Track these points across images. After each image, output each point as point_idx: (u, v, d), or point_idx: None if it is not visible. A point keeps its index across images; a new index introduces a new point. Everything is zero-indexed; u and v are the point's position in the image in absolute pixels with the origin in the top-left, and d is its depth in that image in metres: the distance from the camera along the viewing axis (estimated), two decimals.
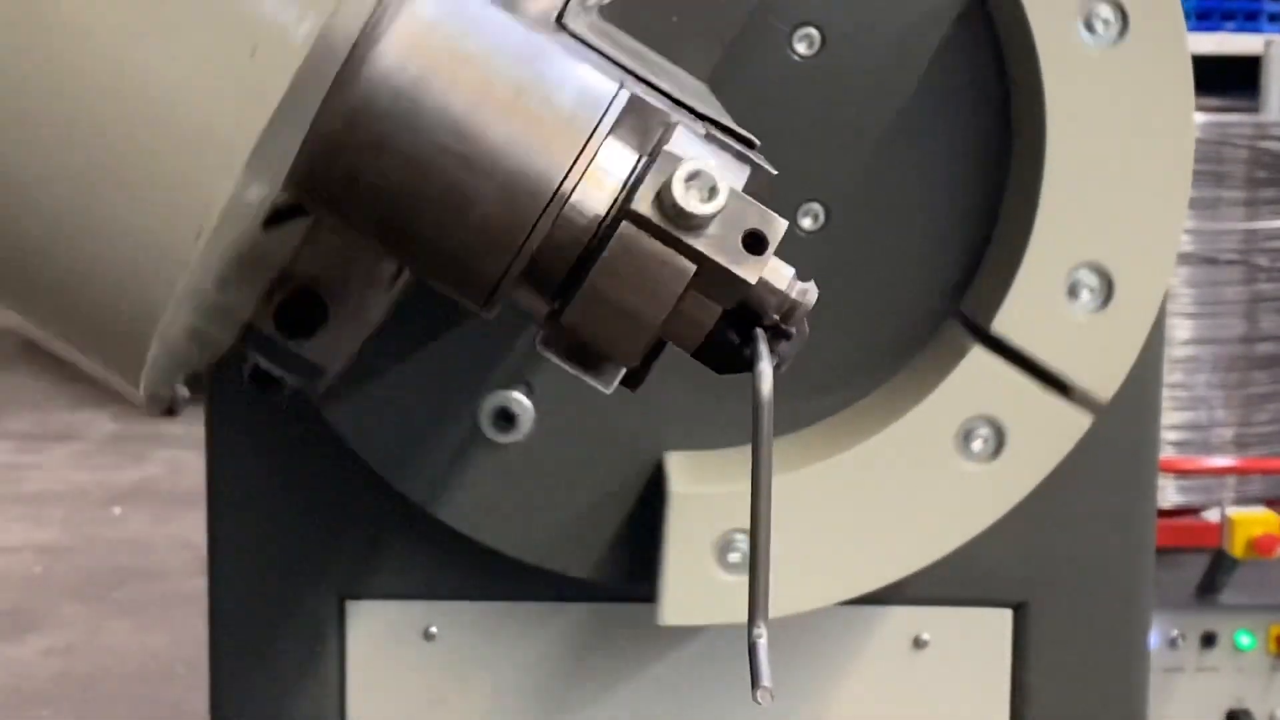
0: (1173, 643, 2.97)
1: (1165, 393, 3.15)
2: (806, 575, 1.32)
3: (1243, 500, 3.17)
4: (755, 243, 0.90)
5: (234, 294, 0.92)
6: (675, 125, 0.92)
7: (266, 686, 1.43)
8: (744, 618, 1.29)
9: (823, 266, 1.34)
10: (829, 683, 1.44)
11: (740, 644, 1.44)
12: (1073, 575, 1.42)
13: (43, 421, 7.68)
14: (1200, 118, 3.19)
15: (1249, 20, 4.14)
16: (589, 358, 0.92)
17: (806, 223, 1.36)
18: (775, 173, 0.95)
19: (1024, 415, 1.31)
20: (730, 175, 0.90)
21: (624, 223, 0.87)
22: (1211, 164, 3.16)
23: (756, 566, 0.88)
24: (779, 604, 1.31)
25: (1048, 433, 1.31)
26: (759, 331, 0.92)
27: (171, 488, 6.61)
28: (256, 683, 1.44)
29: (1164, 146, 1.31)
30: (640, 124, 0.92)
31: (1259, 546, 2.89)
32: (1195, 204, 3.16)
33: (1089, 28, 1.29)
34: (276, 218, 0.90)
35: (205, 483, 1.43)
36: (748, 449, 1.33)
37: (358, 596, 1.43)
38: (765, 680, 0.91)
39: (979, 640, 1.43)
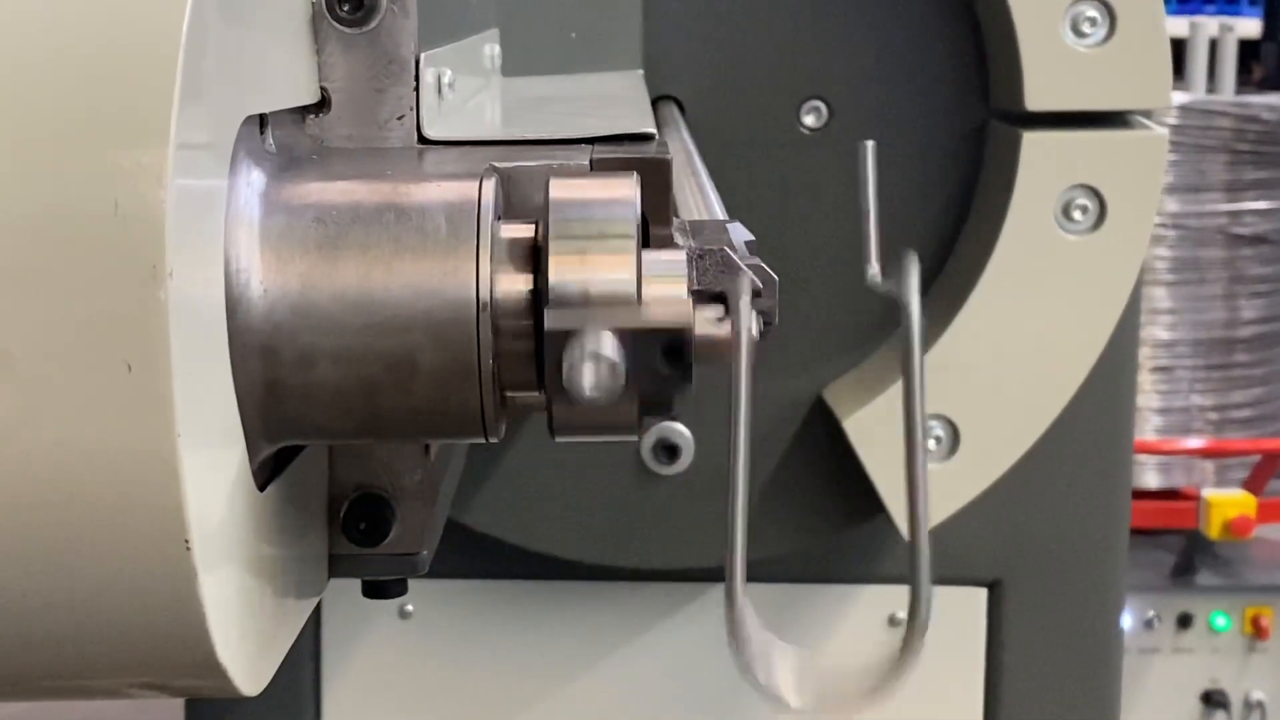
0: (1148, 624, 2.98)
1: (1147, 376, 3.17)
2: (1008, 421, 1.31)
3: (1224, 483, 3.18)
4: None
5: (295, 538, 0.90)
6: (549, 168, 0.89)
7: None
8: (963, 498, 1.29)
9: (825, 165, 1.35)
10: None
11: (720, 622, 1.44)
12: (1047, 554, 1.43)
13: None
14: (1184, 97, 3.20)
15: (1184, 2, 4.14)
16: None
17: (810, 120, 1.36)
18: (669, 158, 0.94)
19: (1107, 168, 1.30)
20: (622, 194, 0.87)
21: (551, 294, 0.85)
22: (1194, 145, 3.16)
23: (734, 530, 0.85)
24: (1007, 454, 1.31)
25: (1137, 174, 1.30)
26: (739, 302, 0.89)
27: None
28: None
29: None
30: (522, 195, 0.89)
31: (1235, 528, 2.90)
32: (1177, 186, 3.16)
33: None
34: (277, 466, 0.88)
35: None
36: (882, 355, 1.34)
37: (333, 574, 1.43)
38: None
39: (954, 619, 1.44)
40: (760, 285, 0.89)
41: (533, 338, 0.85)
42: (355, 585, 1.46)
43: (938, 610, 1.48)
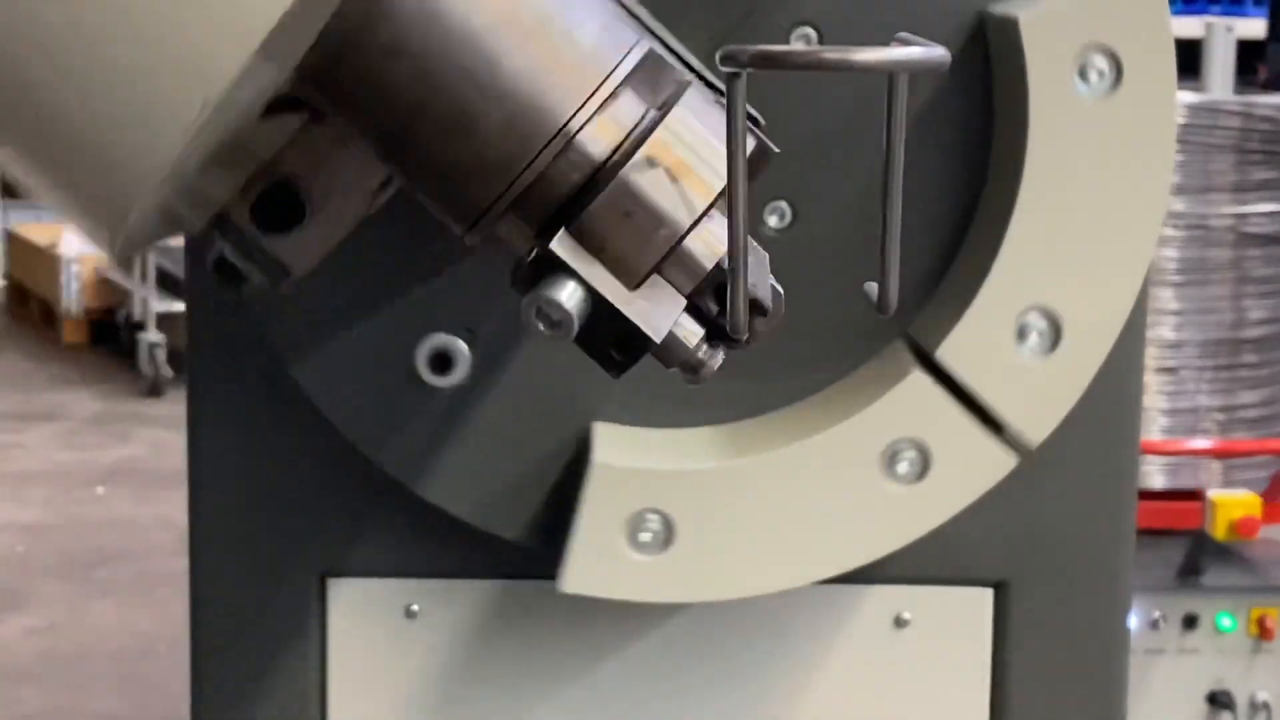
0: (1154, 624, 2.97)
1: (1154, 377, 3.16)
2: (721, 565, 1.32)
3: (1231, 484, 3.18)
4: None
5: (214, 180, 0.92)
6: (688, 85, 0.92)
7: (248, 665, 1.43)
8: (646, 597, 1.31)
9: (787, 266, 1.34)
10: (810, 662, 1.44)
11: (726, 623, 1.45)
12: (1054, 555, 1.42)
13: (26, 401, 7.67)
14: (1191, 97, 3.19)
15: (1189, 2, 4.15)
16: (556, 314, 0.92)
17: (773, 220, 1.37)
18: (778, 150, 0.95)
19: (952, 445, 1.31)
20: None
21: (624, 170, 0.87)
22: (1201, 145, 3.16)
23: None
24: (691, 589, 1.33)
25: (972, 466, 1.32)
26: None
27: (154, 467, 6.60)
28: (238, 661, 1.43)
29: (1136, 202, 1.31)
30: (653, 80, 0.93)
31: (1240, 529, 2.90)
32: (1184, 186, 3.16)
33: (1083, 77, 1.29)
34: (274, 108, 0.90)
35: (186, 462, 1.43)
36: (675, 431, 1.34)
37: (339, 574, 1.43)
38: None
39: (960, 619, 1.43)
40: (768, 306, 0.92)
41: (571, 195, 0.87)
42: (360, 586, 1.47)
43: (944, 611, 1.49)
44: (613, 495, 1.31)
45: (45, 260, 8.97)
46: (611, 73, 0.88)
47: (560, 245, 0.89)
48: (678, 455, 1.33)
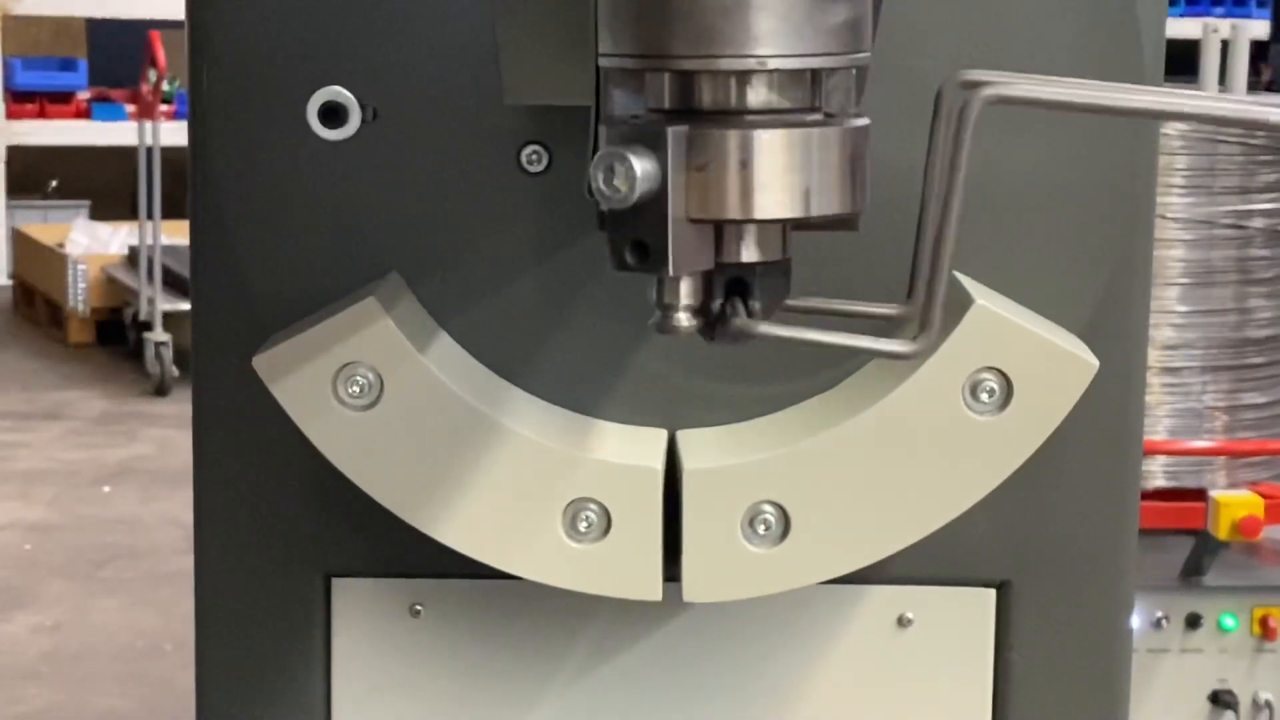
0: (1157, 624, 2.97)
1: (1158, 377, 3.16)
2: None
3: (1235, 484, 3.18)
4: None
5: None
6: (865, 125, 1.02)
7: (253, 664, 1.44)
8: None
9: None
10: (812, 661, 1.44)
11: (730, 619, 1.45)
12: (1056, 555, 1.43)
13: (33, 400, 7.68)
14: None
15: (1191, 3, 4.15)
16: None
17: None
18: None
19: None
20: None
21: (772, 131, 0.92)
22: (1207, 142, 3.16)
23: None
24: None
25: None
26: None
27: (160, 467, 6.60)
28: (243, 660, 1.44)
29: None
30: (844, 91, 1.01)
31: (1243, 528, 2.90)
32: (1189, 187, 3.15)
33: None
34: None
35: (192, 462, 1.43)
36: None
37: (344, 574, 1.43)
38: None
39: (962, 619, 1.44)
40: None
41: (720, 111, 0.95)
42: (365, 586, 1.48)
43: (946, 611, 1.49)
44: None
45: (52, 259, 8.97)
46: (830, 54, 0.91)
47: (674, 135, 0.92)
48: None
